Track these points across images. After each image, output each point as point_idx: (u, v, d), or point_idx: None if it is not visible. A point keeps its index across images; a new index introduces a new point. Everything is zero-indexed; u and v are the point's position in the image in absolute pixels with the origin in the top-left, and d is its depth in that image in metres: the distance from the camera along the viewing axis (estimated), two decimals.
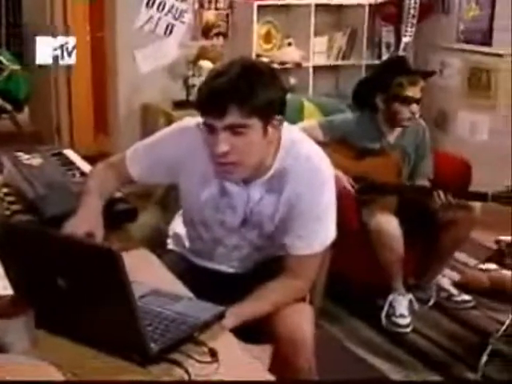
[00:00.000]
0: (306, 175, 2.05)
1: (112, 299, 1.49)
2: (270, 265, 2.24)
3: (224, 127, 1.89)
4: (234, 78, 1.88)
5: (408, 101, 3.52)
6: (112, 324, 1.52)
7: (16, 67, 6.31)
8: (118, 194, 2.38)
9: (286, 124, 2.07)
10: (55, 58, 2.65)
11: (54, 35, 5.77)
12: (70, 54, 2.64)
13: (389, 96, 3.55)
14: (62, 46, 2.61)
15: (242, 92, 1.86)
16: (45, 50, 2.62)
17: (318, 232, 2.10)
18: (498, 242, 4.18)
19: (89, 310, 1.54)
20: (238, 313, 1.94)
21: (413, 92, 3.52)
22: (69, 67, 6.19)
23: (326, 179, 2.08)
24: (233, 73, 1.89)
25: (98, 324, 1.55)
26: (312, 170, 2.06)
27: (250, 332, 2.07)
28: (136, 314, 1.47)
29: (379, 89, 3.59)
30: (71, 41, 2.61)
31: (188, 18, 5.40)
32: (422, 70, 3.85)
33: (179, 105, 5.10)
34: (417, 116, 3.61)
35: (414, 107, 3.54)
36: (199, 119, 1.98)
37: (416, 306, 3.66)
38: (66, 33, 5.98)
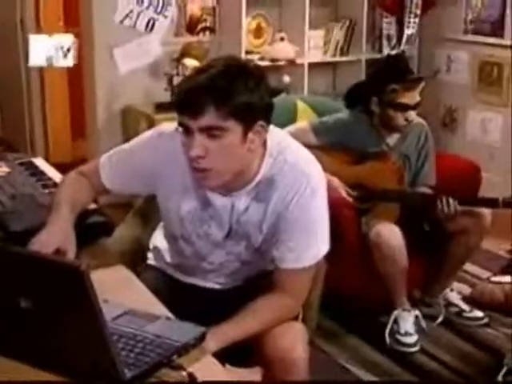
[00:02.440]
0: (293, 183, 2.06)
1: (80, 322, 1.48)
2: (260, 280, 2.25)
3: (199, 129, 1.90)
4: (214, 77, 1.89)
5: (403, 108, 3.52)
6: (81, 349, 1.52)
7: None
8: (93, 206, 2.38)
9: (273, 128, 2.08)
10: (50, 59, 2.67)
11: (24, 31, 5.85)
12: (65, 55, 2.67)
13: (383, 101, 3.55)
14: (62, 48, 2.64)
15: (220, 91, 1.87)
16: (39, 50, 2.65)
17: (309, 243, 2.10)
18: (511, 251, 4.18)
19: (55, 333, 1.54)
20: (221, 334, 1.94)
21: (409, 98, 3.51)
22: (42, 68, 6.20)
23: (316, 186, 2.08)
24: (213, 71, 1.91)
25: (65, 349, 1.55)
26: (301, 177, 2.06)
27: (238, 354, 2.09)
28: (106, 337, 1.47)
29: (373, 93, 3.59)
30: (68, 40, 2.64)
31: (171, 11, 5.40)
32: (418, 77, 3.78)
33: (162, 107, 5.09)
34: (414, 121, 3.60)
35: (410, 114, 3.54)
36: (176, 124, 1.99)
37: (423, 323, 3.65)
38: (38, 29, 6.00)
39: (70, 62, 2.58)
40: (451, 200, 3.39)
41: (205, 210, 2.15)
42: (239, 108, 1.89)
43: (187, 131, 1.94)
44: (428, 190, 3.68)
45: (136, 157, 2.21)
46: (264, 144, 2.06)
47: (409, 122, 3.55)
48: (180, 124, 1.96)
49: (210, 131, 1.90)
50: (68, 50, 2.58)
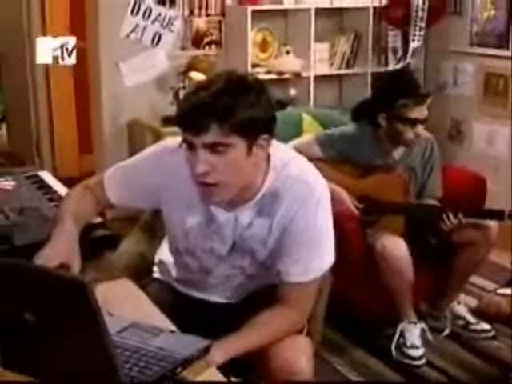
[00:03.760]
0: (298, 196, 2.06)
1: (84, 335, 1.49)
2: (265, 294, 2.25)
3: (203, 145, 1.90)
4: (216, 93, 1.89)
5: (413, 123, 3.50)
6: (84, 362, 1.53)
7: None
8: (98, 219, 2.39)
9: (275, 143, 2.08)
10: (55, 59, 2.77)
11: (31, 48, 5.87)
12: (70, 55, 2.76)
13: (391, 116, 3.53)
14: (62, 47, 2.73)
15: (223, 108, 1.87)
16: (45, 50, 2.75)
17: (314, 256, 2.11)
18: None
19: (59, 347, 1.55)
20: (227, 347, 1.94)
21: (418, 113, 3.49)
22: (48, 81, 6.23)
23: (320, 199, 2.09)
24: (215, 87, 1.91)
25: (68, 362, 1.56)
26: (305, 190, 2.07)
27: (241, 367, 2.09)
28: (110, 350, 1.47)
29: (381, 108, 3.57)
30: (71, 41, 2.74)
31: (177, 25, 5.42)
32: (428, 92, 3.75)
33: (169, 121, 5.10)
34: (428, 136, 3.60)
35: (419, 128, 3.52)
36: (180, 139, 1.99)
37: (429, 335, 3.65)
38: None
39: (73, 60, 2.72)
40: (451, 215, 3.39)
41: (209, 225, 2.16)
42: (242, 123, 1.89)
43: (191, 147, 1.94)
44: (434, 202, 3.68)
45: (140, 172, 2.22)
46: (268, 158, 2.07)
47: (417, 137, 3.55)
48: (184, 140, 1.96)
49: (214, 147, 1.90)
50: (72, 49, 2.70)
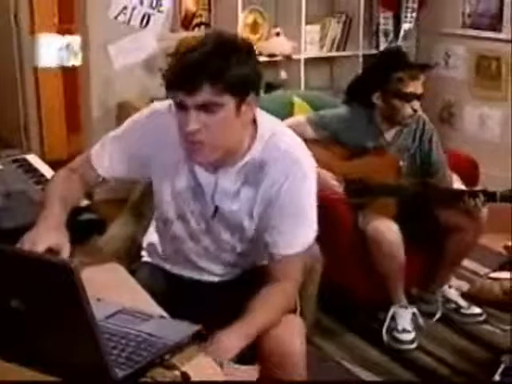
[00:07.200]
0: (285, 168, 2.09)
1: (71, 320, 1.47)
2: (257, 273, 2.25)
3: (195, 105, 1.93)
4: (208, 53, 1.92)
5: (409, 97, 3.48)
6: (72, 348, 1.50)
7: None
8: (85, 203, 2.37)
9: (266, 114, 2.15)
10: (60, 59, 2.74)
11: (18, 28, 5.82)
12: (75, 55, 2.74)
13: (387, 93, 3.52)
14: (67, 46, 2.70)
15: (215, 68, 1.90)
16: (49, 50, 2.72)
17: (300, 229, 2.14)
18: (506, 247, 4.17)
19: (46, 333, 1.53)
20: (241, 332, 1.97)
21: (414, 87, 3.49)
22: (35, 65, 6.18)
23: (307, 172, 2.13)
24: (207, 48, 1.93)
25: (56, 348, 1.53)
26: (292, 163, 2.10)
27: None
28: (96, 336, 1.45)
29: (376, 85, 3.55)
30: (76, 41, 2.71)
31: (166, 7, 5.38)
32: (422, 64, 3.76)
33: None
34: (419, 113, 3.58)
35: (416, 104, 3.51)
36: (170, 102, 2.04)
37: (420, 319, 3.64)
38: (32, 24, 5.97)
39: (78, 60, 2.69)
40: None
41: (194, 187, 2.18)
42: (234, 82, 1.92)
43: (182, 108, 1.96)
44: (441, 178, 3.65)
45: (128, 137, 2.24)
46: (254, 123, 2.11)
47: (415, 112, 3.53)
48: (174, 101, 1.98)
49: (206, 107, 1.93)
50: (77, 50, 2.69)
